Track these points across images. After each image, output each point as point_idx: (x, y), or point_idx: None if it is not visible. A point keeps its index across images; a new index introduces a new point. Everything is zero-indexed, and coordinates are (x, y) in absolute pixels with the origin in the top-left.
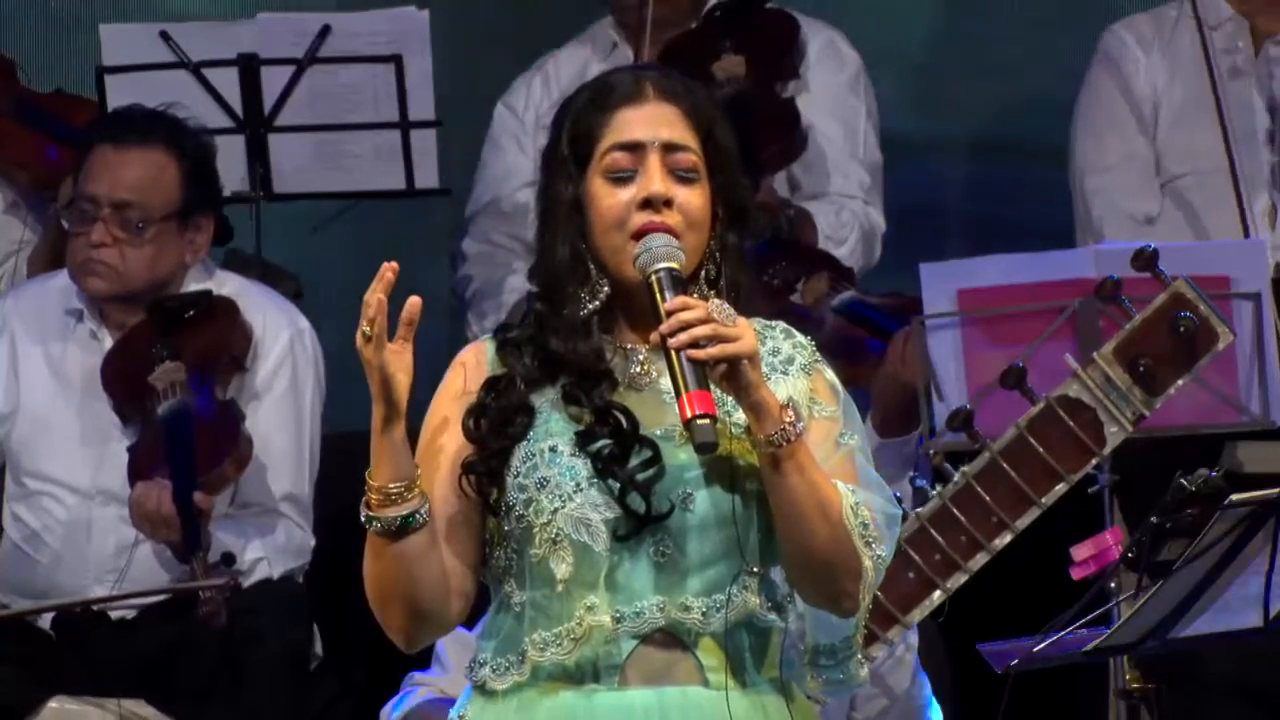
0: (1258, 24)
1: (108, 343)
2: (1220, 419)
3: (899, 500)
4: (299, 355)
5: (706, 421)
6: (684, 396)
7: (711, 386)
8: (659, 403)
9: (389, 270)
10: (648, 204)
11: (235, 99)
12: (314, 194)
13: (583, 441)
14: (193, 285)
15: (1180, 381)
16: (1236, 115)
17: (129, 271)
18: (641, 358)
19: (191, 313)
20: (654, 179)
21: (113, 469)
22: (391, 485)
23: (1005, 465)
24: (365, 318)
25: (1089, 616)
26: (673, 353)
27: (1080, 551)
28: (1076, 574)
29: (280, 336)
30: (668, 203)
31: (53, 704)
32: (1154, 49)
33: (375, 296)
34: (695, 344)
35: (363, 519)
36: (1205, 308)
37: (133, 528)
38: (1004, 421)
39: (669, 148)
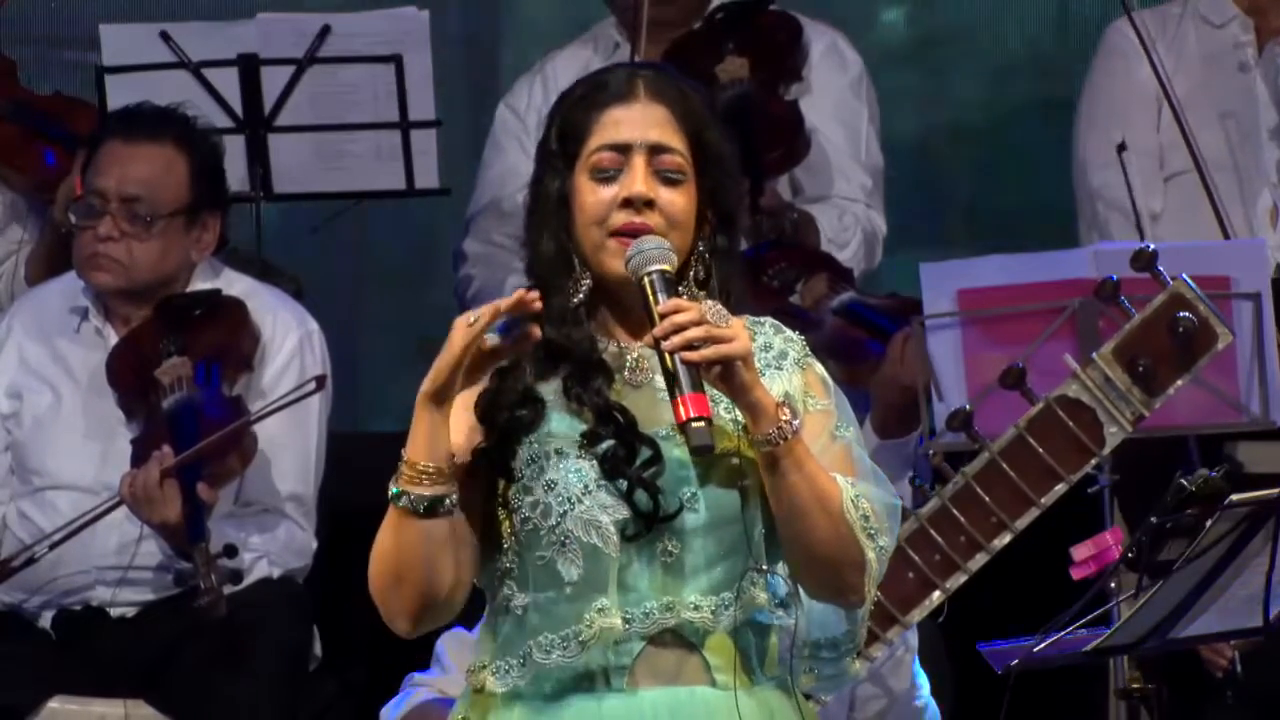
0: (1263, 22)
1: (113, 340)
2: (1220, 419)
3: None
4: (307, 357)
5: (702, 425)
6: (679, 399)
7: (706, 386)
8: (657, 400)
9: (534, 301)
10: (628, 204)
11: (235, 99)
12: (314, 194)
13: (589, 443)
14: (201, 284)
15: (1180, 382)
16: (1241, 112)
17: (135, 266)
18: (635, 355)
19: (199, 311)
20: (636, 179)
21: (117, 465)
22: (429, 464)
23: (1005, 465)
24: (483, 311)
25: (1089, 616)
26: (666, 355)
27: (1080, 551)
28: (1076, 574)
29: (289, 338)
30: (649, 204)
31: (53, 704)
32: (1158, 45)
33: (504, 307)
34: (689, 346)
35: (391, 494)
36: (1204, 308)
37: (136, 526)
38: (1004, 422)
39: (655, 149)
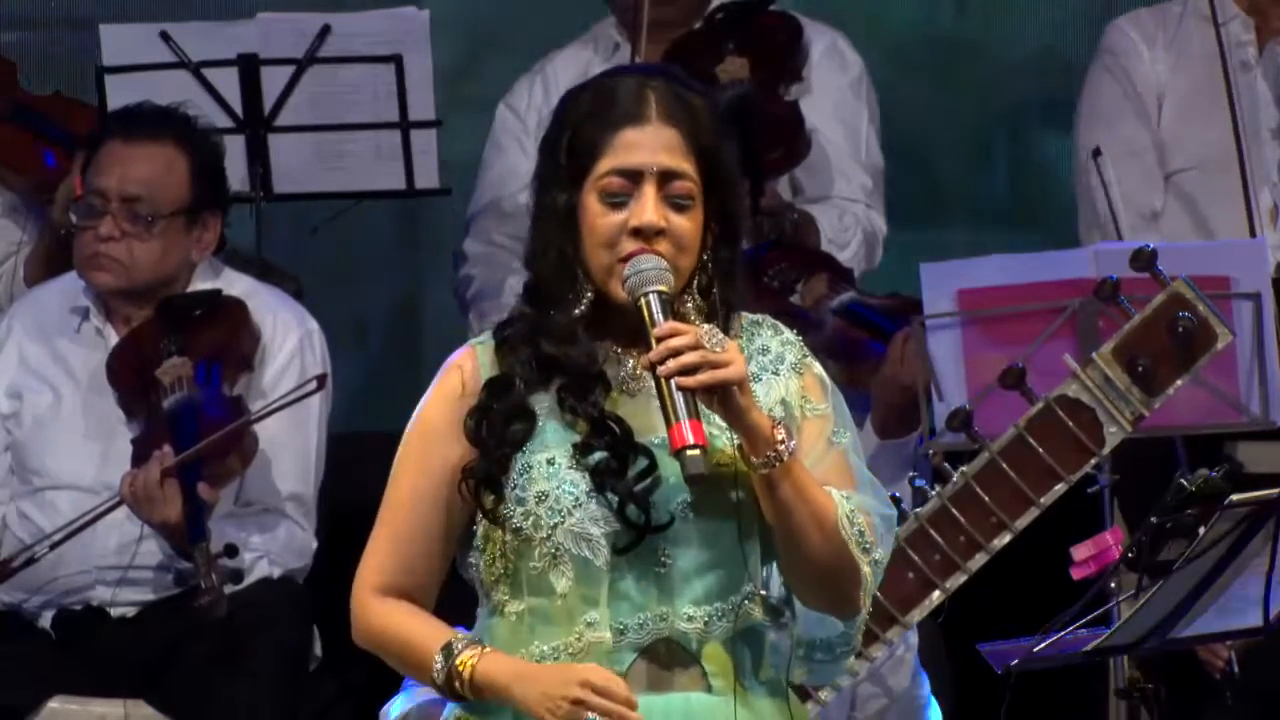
0: (1264, 21)
1: (113, 339)
2: (1220, 419)
3: (897, 501)
4: (307, 356)
5: (697, 453)
6: (674, 426)
7: (700, 408)
8: (652, 408)
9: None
10: (638, 233)
11: (235, 99)
12: (314, 194)
13: (581, 453)
14: (201, 284)
15: (1179, 382)
16: (1243, 110)
17: (136, 266)
18: (631, 363)
19: (200, 311)
20: (647, 208)
21: (117, 465)
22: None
23: (1004, 465)
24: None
25: (1089, 616)
26: (662, 380)
27: (1080, 551)
28: (1076, 574)
29: (289, 338)
30: (660, 232)
31: (53, 704)
32: (1158, 43)
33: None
34: (685, 371)
35: (436, 666)
36: (1204, 308)
37: (136, 526)
38: (1004, 422)
39: (666, 175)
